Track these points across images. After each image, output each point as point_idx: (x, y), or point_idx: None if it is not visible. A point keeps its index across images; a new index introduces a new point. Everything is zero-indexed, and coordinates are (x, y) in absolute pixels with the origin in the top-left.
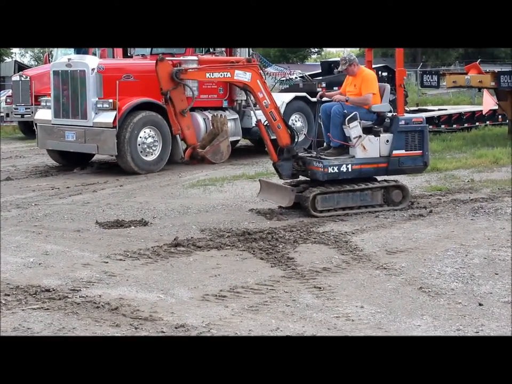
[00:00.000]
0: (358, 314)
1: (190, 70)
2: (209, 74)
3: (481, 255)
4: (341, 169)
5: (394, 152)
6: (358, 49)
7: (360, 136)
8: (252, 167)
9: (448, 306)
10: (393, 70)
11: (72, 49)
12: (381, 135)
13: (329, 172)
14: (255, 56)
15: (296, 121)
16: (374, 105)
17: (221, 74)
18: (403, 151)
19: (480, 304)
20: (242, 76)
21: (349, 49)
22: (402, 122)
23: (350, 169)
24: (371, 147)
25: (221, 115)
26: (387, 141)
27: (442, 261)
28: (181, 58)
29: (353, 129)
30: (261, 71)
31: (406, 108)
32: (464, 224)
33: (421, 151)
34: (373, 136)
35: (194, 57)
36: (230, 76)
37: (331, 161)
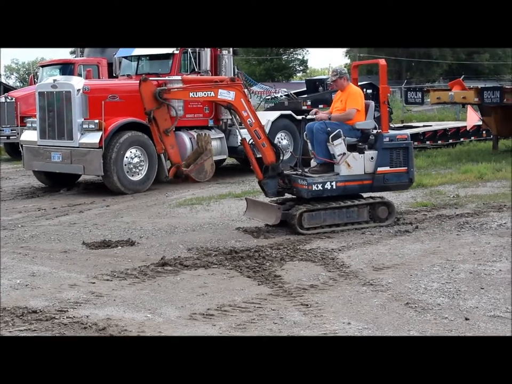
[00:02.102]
0: (345, 331)
1: (174, 89)
2: (193, 94)
3: (467, 270)
4: (325, 186)
5: (379, 169)
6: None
7: (344, 154)
8: (239, 186)
9: (435, 322)
10: (378, 87)
11: (58, 70)
12: (365, 152)
13: (314, 189)
14: (240, 75)
15: (282, 139)
16: (358, 122)
17: (205, 94)
18: (388, 168)
19: (466, 319)
20: (226, 94)
21: (335, 65)
22: (387, 139)
23: (334, 187)
24: (355, 164)
25: (205, 134)
26: (371, 158)
27: (429, 276)
28: (166, 78)
29: (338, 147)
30: (246, 89)
31: (391, 125)
32: (450, 240)
33: (406, 168)
34: (357, 153)
35: (179, 77)
36: (213, 95)
37: (315, 178)
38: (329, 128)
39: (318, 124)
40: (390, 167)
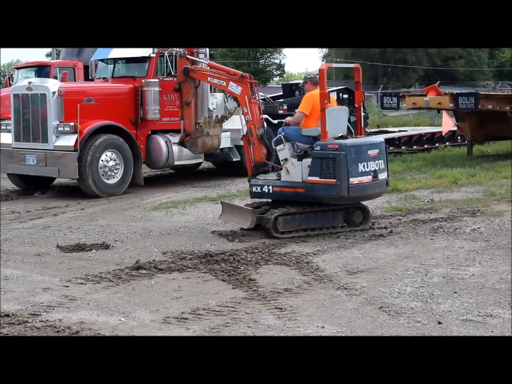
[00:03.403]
0: (319, 335)
1: (197, 69)
2: (210, 79)
3: (441, 274)
4: (263, 189)
5: (309, 178)
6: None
7: (286, 159)
8: (214, 190)
9: (408, 325)
10: (354, 92)
11: (33, 73)
12: (303, 159)
13: (254, 191)
14: None
15: None
16: (304, 129)
17: (219, 82)
18: (317, 178)
19: (439, 323)
20: (235, 88)
21: (312, 69)
22: (318, 148)
23: (271, 191)
24: (294, 171)
25: (216, 116)
26: (308, 166)
27: (402, 280)
28: (197, 58)
29: (280, 152)
30: (256, 87)
31: (367, 130)
32: (423, 244)
33: (334, 180)
34: (296, 160)
35: (206, 61)
36: (225, 84)
37: (257, 181)
38: (283, 133)
39: (279, 129)
40: (320, 178)
